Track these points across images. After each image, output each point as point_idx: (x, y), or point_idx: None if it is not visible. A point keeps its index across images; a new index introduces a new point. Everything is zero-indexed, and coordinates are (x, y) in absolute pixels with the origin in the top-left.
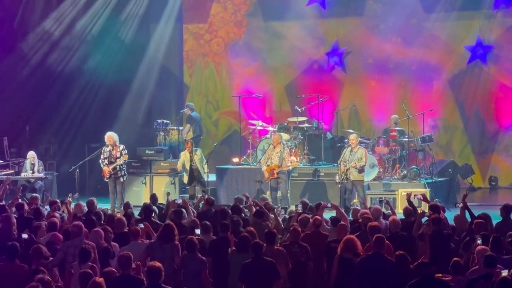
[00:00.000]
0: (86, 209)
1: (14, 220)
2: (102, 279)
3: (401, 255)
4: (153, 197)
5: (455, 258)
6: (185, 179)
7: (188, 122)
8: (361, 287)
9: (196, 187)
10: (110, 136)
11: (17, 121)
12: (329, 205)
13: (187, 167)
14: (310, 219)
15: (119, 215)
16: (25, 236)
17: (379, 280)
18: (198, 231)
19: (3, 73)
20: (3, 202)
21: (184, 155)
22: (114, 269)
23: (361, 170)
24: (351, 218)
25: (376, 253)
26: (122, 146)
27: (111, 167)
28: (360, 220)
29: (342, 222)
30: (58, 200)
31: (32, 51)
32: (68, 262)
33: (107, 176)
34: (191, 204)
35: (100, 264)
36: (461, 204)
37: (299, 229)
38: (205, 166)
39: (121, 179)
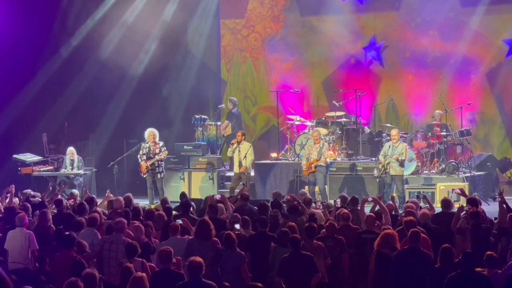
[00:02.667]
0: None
1: (50, 216)
2: (144, 274)
3: (447, 248)
4: (183, 196)
5: (489, 252)
6: (235, 167)
7: (228, 118)
8: (397, 281)
9: (241, 182)
10: (152, 132)
11: (56, 117)
12: (369, 199)
13: (236, 155)
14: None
15: (162, 212)
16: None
17: (416, 275)
18: (237, 226)
19: (42, 71)
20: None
21: (232, 146)
22: (154, 265)
23: (401, 165)
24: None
25: (411, 247)
26: (161, 143)
27: (150, 162)
28: (403, 215)
29: (370, 214)
30: (94, 196)
31: (68, 50)
32: (104, 257)
33: (144, 172)
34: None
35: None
36: (499, 198)
37: (335, 223)
38: (248, 160)
39: (159, 176)
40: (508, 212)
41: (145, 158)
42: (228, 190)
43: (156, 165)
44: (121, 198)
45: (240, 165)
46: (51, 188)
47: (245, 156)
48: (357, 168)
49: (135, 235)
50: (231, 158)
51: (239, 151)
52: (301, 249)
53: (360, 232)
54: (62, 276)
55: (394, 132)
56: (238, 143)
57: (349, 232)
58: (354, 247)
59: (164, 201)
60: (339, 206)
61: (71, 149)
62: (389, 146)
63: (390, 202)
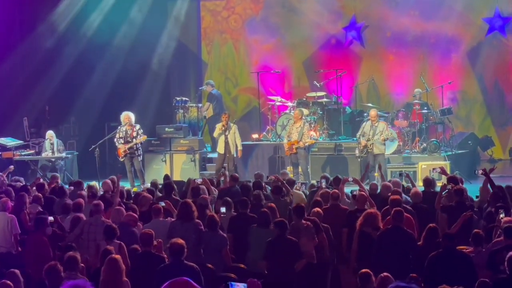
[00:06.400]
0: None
1: (27, 200)
2: (119, 256)
3: (433, 228)
4: (166, 178)
5: (476, 230)
6: (219, 148)
7: (209, 100)
8: (380, 260)
9: (224, 164)
10: (127, 115)
11: (37, 101)
12: (350, 179)
13: (222, 137)
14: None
15: (144, 193)
16: (50, 218)
17: (399, 254)
18: (223, 209)
19: (22, 54)
20: (24, 183)
21: (219, 127)
22: (138, 247)
23: (383, 143)
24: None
25: (395, 226)
26: (138, 126)
27: (128, 146)
28: (389, 194)
29: (362, 192)
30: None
31: (49, 31)
32: (84, 239)
33: (122, 155)
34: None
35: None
36: (480, 171)
37: (303, 205)
38: (238, 143)
39: (138, 158)
40: (493, 188)
41: (122, 142)
42: (214, 172)
43: (135, 148)
44: (108, 181)
45: (226, 145)
46: (11, 169)
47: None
48: (340, 148)
49: (116, 218)
50: (213, 140)
51: (225, 133)
52: (288, 232)
53: (353, 211)
54: (33, 259)
55: (373, 113)
56: (226, 125)
57: (338, 211)
58: (347, 226)
59: (153, 184)
60: (324, 186)
61: (50, 133)
62: (370, 126)
63: (374, 181)
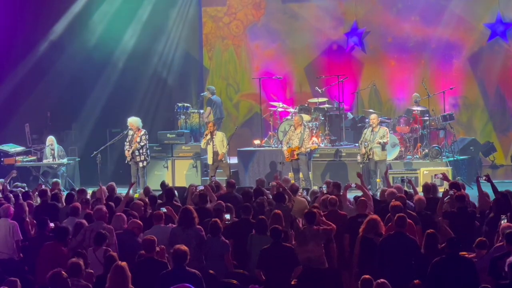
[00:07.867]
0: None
1: (26, 208)
2: (125, 263)
3: (431, 233)
4: (164, 185)
5: (480, 238)
6: (209, 159)
7: (209, 105)
8: (383, 266)
9: (218, 170)
10: (131, 122)
11: (38, 107)
12: (353, 185)
13: (210, 147)
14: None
15: (139, 201)
16: (51, 225)
17: (402, 260)
18: (228, 216)
19: (24, 61)
20: (27, 189)
21: (205, 136)
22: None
23: (383, 148)
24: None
25: (398, 232)
26: (143, 131)
27: (130, 151)
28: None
29: (362, 198)
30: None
31: (51, 39)
32: (86, 246)
33: (128, 159)
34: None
35: None
36: (484, 177)
37: (320, 211)
38: (224, 149)
39: (140, 164)
40: (495, 195)
41: (127, 146)
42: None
43: (137, 153)
44: (103, 187)
45: (215, 155)
46: (14, 174)
47: (227, 145)
48: (341, 154)
49: (117, 225)
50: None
51: (212, 142)
52: (283, 240)
53: (354, 217)
54: (45, 267)
55: (372, 117)
56: (211, 133)
57: (336, 217)
58: (348, 231)
59: (146, 190)
60: (325, 192)
61: (50, 138)
62: (371, 132)
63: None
